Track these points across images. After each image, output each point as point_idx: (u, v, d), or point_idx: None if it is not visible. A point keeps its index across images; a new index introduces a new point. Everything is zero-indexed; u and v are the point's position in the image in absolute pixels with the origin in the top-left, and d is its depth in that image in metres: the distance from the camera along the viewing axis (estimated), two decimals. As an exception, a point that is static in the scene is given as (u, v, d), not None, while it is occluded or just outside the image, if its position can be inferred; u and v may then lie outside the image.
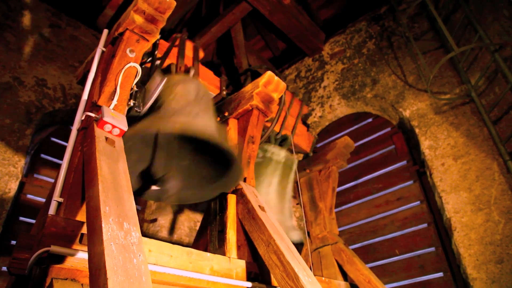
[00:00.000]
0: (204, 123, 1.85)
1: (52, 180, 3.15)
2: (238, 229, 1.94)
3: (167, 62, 2.29)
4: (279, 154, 2.82)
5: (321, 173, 3.16)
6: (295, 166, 2.95)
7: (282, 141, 2.99)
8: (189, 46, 2.49)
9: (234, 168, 1.87)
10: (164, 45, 2.31)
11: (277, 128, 2.90)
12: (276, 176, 2.76)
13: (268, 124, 2.75)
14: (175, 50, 2.37)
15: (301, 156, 3.50)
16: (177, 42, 2.40)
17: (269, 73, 2.27)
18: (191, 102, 1.96)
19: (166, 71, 2.31)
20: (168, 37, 2.42)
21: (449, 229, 2.71)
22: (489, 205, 2.55)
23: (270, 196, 2.61)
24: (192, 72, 2.28)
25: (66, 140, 1.79)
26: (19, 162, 2.88)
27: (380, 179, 3.44)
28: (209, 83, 2.50)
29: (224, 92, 2.51)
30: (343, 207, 3.59)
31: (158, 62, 2.20)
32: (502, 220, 2.47)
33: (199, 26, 3.96)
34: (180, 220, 3.93)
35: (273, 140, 2.90)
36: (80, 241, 1.26)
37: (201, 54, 2.57)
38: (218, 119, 2.41)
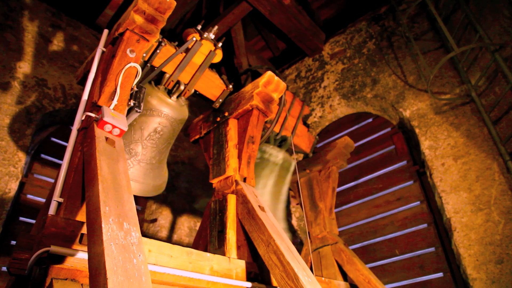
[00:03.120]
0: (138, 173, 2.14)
1: (52, 180, 3.15)
2: (238, 229, 1.94)
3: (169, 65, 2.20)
4: (277, 156, 2.82)
5: (321, 173, 3.16)
6: (292, 168, 2.96)
7: (282, 142, 2.99)
8: (205, 46, 2.24)
9: None
10: (167, 49, 2.14)
11: (277, 129, 2.89)
12: (272, 178, 2.78)
13: (268, 125, 2.75)
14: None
15: (301, 156, 3.50)
16: (190, 45, 2.16)
17: (269, 73, 2.26)
18: (145, 136, 2.15)
19: (160, 76, 2.22)
20: (169, 37, 2.35)
21: (449, 229, 2.71)
22: (489, 205, 2.55)
23: (264, 197, 2.63)
24: (175, 95, 2.23)
25: (66, 140, 1.79)
26: (19, 162, 2.88)
27: (380, 179, 3.44)
28: (211, 89, 2.44)
29: (231, 86, 2.45)
30: (343, 207, 3.60)
31: (152, 70, 2.09)
32: (502, 220, 2.47)
33: (199, 26, 3.95)
34: (180, 220, 3.93)
35: (272, 141, 2.89)
36: (80, 241, 1.26)
37: (218, 58, 2.32)
38: (218, 119, 2.41)
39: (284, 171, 2.90)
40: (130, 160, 2.09)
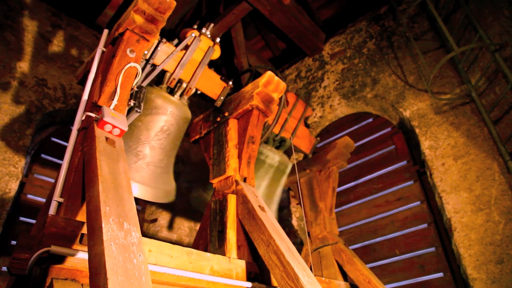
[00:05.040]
0: (148, 177, 2.05)
1: (52, 180, 3.15)
2: (238, 229, 1.94)
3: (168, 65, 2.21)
4: (273, 158, 2.82)
5: (321, 173, 3.16)
6: (288, 171, 2.97)
7: (281, 143, 2.99)
8: (204, 42, 2.28)
9: None
10: (168, 46, 2.15)
11: (276, 130, 2.88)
12: (266, 180, 2.77)
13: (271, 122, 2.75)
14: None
15: (301, 155, 3.50)
16: (190, 41, 2.19)
17: (269, 73, 2.26)
18: (152, 136, 2.09)
19: (160, 76, 2.23)
20: (169, 37, 2.36)
21: (449, 229, 2.71)
22: (489, 205, 2.55)
23: None
24: (178, 93, 2.23)
25: (67, 140, 1.79)
26: (20, 162, 2.88)
27: (380, 179, 3.44)
28: (212, 87, 2.44)
29: (230, 83, 2.46)
30: (343, 207, 3.59)
31: (153, 69, 2.10)
32: (502, 220, 2.47)
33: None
34: (180, 220, 3.93)
35: (271, 141, 2.88)
36: (80, 241, 1.26)
37: (217, 54, 2.35)
38: (218, 119, 2.41)
39: (279, 174, 2.90)
40: (139, 163, 2.03)
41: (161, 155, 2.14)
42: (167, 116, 2.17)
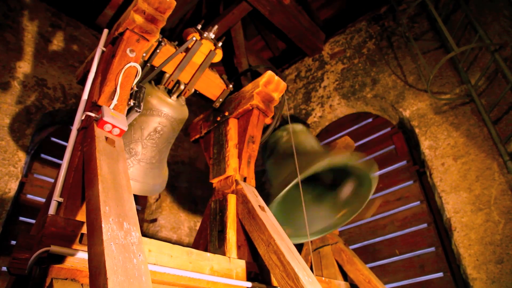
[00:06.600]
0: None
1: (52, 180, 3.15)
2: (238, 229, 1.93)
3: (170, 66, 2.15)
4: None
5: (321, 173, 3.15)
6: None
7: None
8: (205, 45, 2.20)
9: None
10: (167, 48, 2.10)
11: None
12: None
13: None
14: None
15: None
16: (190, 45, 2.11)
17: (269, 72, 2.26)
18: (145, 136, 2.16)
19: (160, 76, 2.21)
20: (169, 37, 2.34)
21: (449, 229, 2.71)
22: (489, 205, 2.55)
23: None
24: (175, 95, 2.27)
25: (66, 140, 1.79)
26: (19, 162, 2.87)
27: (380, 179, 3.43)
28: (212, 89, 2.42)
29: (231, 86, 2.43)
30: (343, 207, 3.59)
31: (152, 70, 2.06)
32: (502, 220, 2.47)
33: (199, 26, 3.95)
34: (180, 220, 3.93)
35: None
36: (80, 241, 1.26)
37: (218, 57, 2.28)
38: (218, 118, 2.40)
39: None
40: (130, 160, 2.08)
41: (153, 152, 2.19)
42: (161, 118, 2.19)
